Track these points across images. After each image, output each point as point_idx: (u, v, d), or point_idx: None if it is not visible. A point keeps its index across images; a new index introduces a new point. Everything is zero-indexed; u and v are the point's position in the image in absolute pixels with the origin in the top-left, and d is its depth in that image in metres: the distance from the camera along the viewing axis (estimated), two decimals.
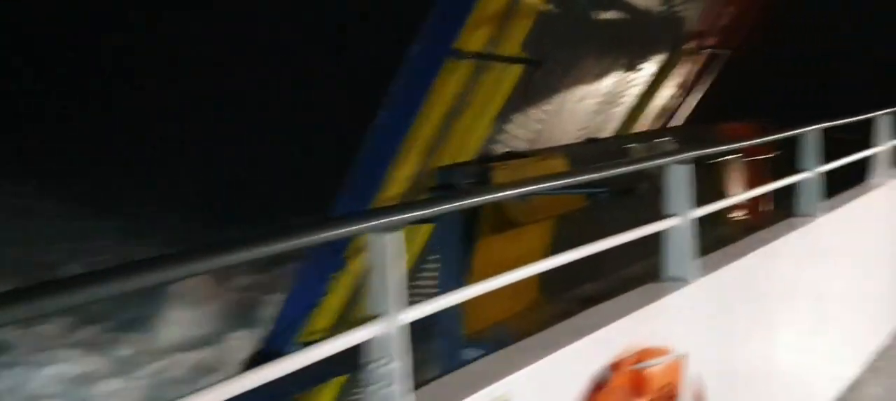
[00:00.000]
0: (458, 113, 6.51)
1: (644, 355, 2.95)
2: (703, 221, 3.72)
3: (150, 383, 11.61)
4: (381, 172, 6.50)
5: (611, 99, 8.68)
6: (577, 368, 2.79)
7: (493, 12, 6.24)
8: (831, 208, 5.23)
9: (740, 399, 3.96)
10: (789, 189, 5.11)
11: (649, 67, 8.99)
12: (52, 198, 20.57)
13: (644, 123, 9.63)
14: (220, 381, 1.79)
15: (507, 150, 7.09)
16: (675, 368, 3.05)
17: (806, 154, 5.08)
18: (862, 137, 6.20)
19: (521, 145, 7.40)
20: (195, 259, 1.78)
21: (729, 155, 7.67)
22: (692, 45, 9.54)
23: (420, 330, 2.38)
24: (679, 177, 3.56)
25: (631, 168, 3.74)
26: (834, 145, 5.40)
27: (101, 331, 12.54)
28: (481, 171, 5.84)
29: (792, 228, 4.81)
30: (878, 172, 6.34)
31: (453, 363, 5.29)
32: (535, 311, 5.75)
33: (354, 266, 6.37)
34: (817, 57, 13.48)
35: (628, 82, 8.79)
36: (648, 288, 3.48)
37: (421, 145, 6.50)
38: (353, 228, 2.08)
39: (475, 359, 2.72)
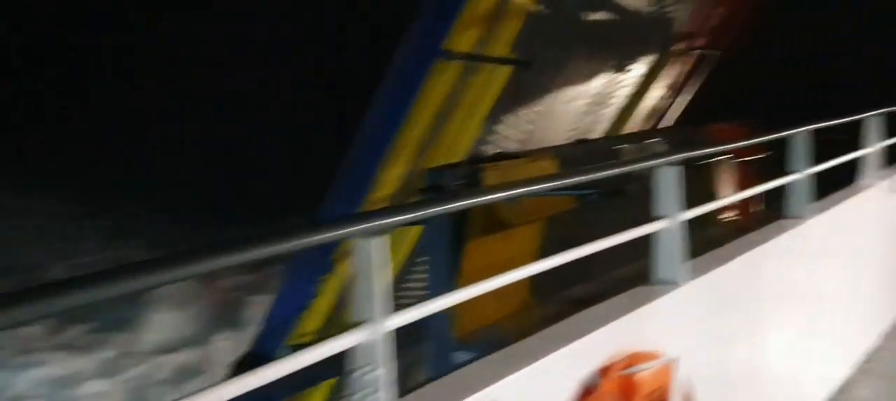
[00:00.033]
0: (448, 114, 6.49)
1: (634, 359, 2.92)
2: (693, 220, 3.70)
3: (133, 386, 11.53)
4: (371, 173, 6.47)
5: (600, 100, 8.67)
6: (566, 373, 2.77)
7: (483, 13, 6.22)
8: (821, 210, 5.23)
9: None
10: (779, 189, 5.10)
11: (639, 68, 8.98)
12: (36, 198, 20.46)
13: (634, 123, 9.63)
14: (205, 387, 1.76)
15: (498, 151, 7.07)
16: (666, 372, 3.03)
17: (795, 156, 5.07)
18: (850, 138, 6.21)
19: (511, 146, 7.38)
20: (175, 265, 1.75)
21: (719, 156, 7.67)
22: (682, 45, 9.54)
23: (409, 332, 2.35)
24: (668, 179, 3.54)
25: (620, 170, 3.71)
26: (824, 147, 5.40)
27: (86, 332, 12.44)
28: (471, 172, 5.81)
29: (782, 230, 4.80)
30: (868, 173, 6.34)
31: (443, 366, 5.27)
32: (526, 313, 5.72)
33: (343, 269, 6.33)
34: (807, 58, 13.51)
35: (618, 83, 8.79)
36: (638, 291, 3.45)
37: (411, 146, 6.47)
38: (338, 232, 2.04)
39: (465, 362, 2.69)
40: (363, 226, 2.04)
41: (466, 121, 6.62)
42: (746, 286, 4.21)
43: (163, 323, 12.79)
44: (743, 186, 7.61)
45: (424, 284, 6.16)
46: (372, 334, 2.05)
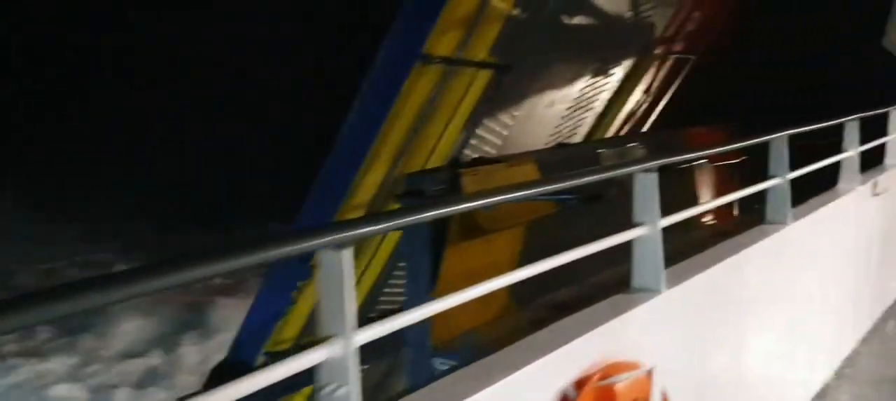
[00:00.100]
0: (427, 118, 6.43)
1: (612, 369, 2.87)
2: (671, 224, 3.65)
3: (98, 391, 11.39)
4: (349, 178, 6.40)
5: (580, 104, 8.65)
6: (544, 385, 2.71)
7: (462, 16, 6.17)
8: (801, 215, 5.21)
9: None
10: (758, 192, 5.09)
11: (618, 72, 8.98)
12: (9, 200, 20.21)
13: (614, 128, 9.62)
14: None
15: (477, 156, 7.02)
16: (644, 382, 2.98)
17: (775, 161, 5.06)
18: (828, 143, 6.21)
19: (490, 151, 7.33)
20: (133, 281, 1.68)
21: (697, 161, 7.66)
22: (660, 50, 9.55)
23: (387, 339, 2.28)
24: (646, 185, 3.50)
25: (596, 178, 3.66)
26: (804, 152, 5.39)
27: (51, 337, 12.26)
28: (450, 177, 5.75)
29: (762, 235, 4.77)
30: (847, 177, 6.35)
31: (421, 374, 5.20)
32: (505, 318, 5.67)
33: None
34: (784, 61, 13.59)
35: (597, 87, 8.77)
36: (616, 299, 3.40)
37: (389, 151, 6.41)
38: (304, 245, 1.97)
39: (442, 373, 2.63)
40: (330, 238, 1.97)
41: (446, 125, 6.57)
42: (726, 293, 4.18)
43: (130, 327, 12.62)
44: (722, 188, 7.60)
45: (403, 290, 6.10)
46: (341, 349, 1.98)
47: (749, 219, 5.38)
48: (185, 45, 22.73)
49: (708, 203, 6.36)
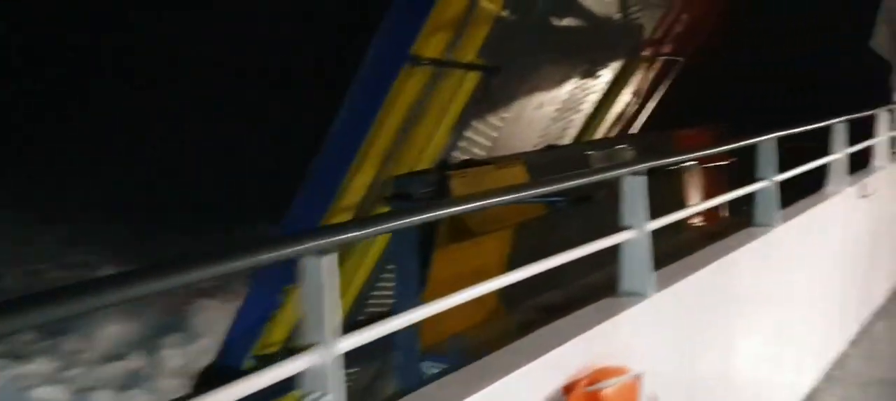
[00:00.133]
0: (416, 120, 6.40)
1: (599, 374, 2.85)
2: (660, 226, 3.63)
3: (81, 393, 11.31)
4: (338, 179, 6.37)
5: (569, 106, 8.64)
6: (531, 390, 2.69)
7: (450, 18, 6.15)
8: (789, 217, 5.21)
9: None
10: (746, 193, 5.08)
11: (607, 74, 8.97)
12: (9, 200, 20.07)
13: (603, 129, 9.62)
14: None
15: (466, 158, 6.99)
16: (633, 387, 2.96)
17: (763, 163, 5.05)
18: (817, 145, 6.21)
19: (480, 153, 7.31)
20: (110, 288, 1.65)
21: (685, 163, 7.67)
22: (649, 51, 9.55)
23: (377, 342, 2.25)
24: (634, 188, 3.48)
25: (585, 181, 3.64)
26: (792, 154, 5.39)
27: (34, 339, 12.16)
28: (439, 179, 5.73)
29: (750, 238, 4.77)
30: (834, 179, 6.36)
31: (410, 377, 5.17)
32: (495, 321, 5.65)
33: None
34: (773, 63, 13.64)
35: (586, 89, 8.77)
36: (604, 303, 3.38)
37: (377, 153, 6.38)
38: (286, 251, 1.94)
39: (430, 378, 2.60)
40: (312, 243, 1.94)
41: (434, 127, 6.54)
42: (715, 296, 4.17)
43: (113, 329, 12.53)
44: (710, 190, 7.61)
45: (393, 291, 6.06)
46: (322, 358, 1.95)
47: (738, 220, 5.37)
48: (185, 45, 22.66)
49: (696, 206, 6.37)
